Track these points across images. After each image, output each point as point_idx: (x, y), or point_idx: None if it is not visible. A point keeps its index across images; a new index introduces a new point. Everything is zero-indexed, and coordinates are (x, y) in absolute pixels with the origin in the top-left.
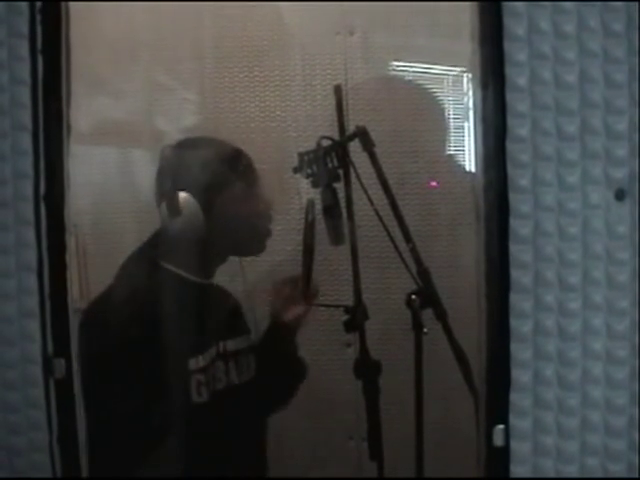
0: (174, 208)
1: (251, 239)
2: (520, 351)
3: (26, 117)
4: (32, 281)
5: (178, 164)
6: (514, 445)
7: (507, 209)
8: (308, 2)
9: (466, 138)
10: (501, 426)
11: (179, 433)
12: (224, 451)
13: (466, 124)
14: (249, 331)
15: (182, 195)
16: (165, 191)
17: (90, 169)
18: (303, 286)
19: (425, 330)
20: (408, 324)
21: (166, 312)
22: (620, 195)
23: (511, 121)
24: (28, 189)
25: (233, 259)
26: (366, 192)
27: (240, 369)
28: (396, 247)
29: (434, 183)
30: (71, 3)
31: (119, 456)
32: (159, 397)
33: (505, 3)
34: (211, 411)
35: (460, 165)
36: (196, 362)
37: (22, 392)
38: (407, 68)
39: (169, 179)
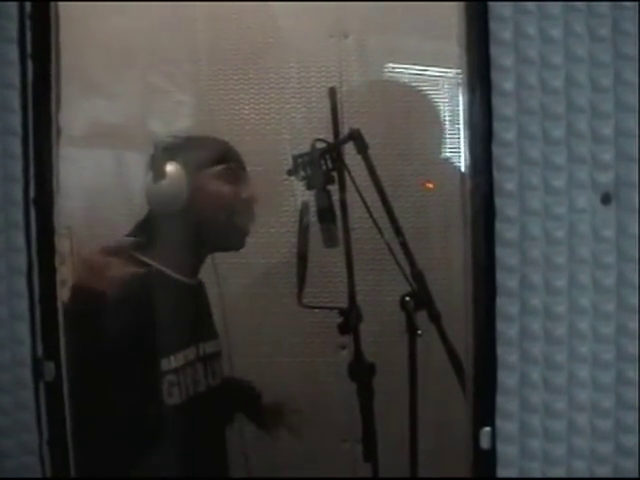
0: (159, 171)
1: (230, 229)
2: (506, 354)
3: (15, 121)
4: (22, 284)
5: (169, 146)
6: (501, 448)
7: (493, 213)
8: (303, 5)
9: (460, 140)
10: (487, 429)
11: (151, 433)
12: (196, 453)
13: (460, 126)
14: (217, 335)
15: (168, 162)
16: (152, 159)
17: (84, 171)
18: (298, 288)
19: (419, 332)
20: (402, 326)
21: (140, 310)
22: (606, 199)
23: (497, 125)
24: (18, 193)
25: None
26: (360, 194)
27: (214, 373)
28: (390, 249)
29: (430, 184)
30: (64, 6)
31: (91, 452)
32: (130, 396)
33: (491, 8)
34: (188, 413)
35: (454, 167)
36: (168, 362)
37: (12, 395)
38: (401, 70)
39: (158, 153)
